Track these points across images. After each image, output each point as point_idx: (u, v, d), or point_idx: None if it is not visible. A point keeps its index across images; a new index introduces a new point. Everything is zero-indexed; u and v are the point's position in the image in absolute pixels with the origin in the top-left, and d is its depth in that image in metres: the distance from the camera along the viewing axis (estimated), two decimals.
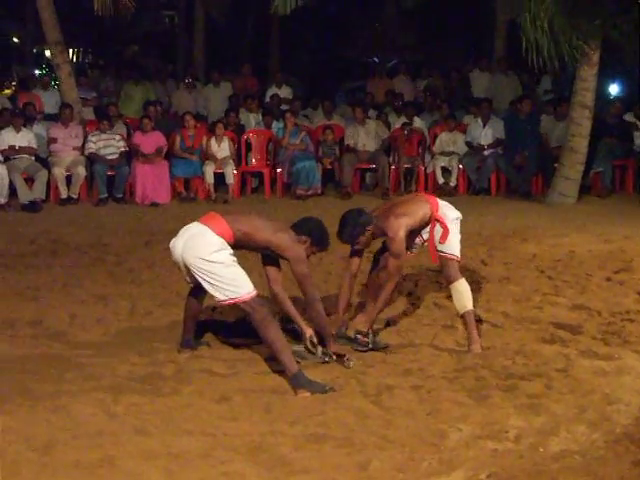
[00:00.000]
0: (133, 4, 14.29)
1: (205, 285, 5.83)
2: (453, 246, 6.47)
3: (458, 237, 6.53)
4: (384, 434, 4.92)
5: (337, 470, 4.46)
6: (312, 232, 6.09)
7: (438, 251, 6.46)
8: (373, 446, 4.75)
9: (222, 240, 5.76)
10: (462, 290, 6.49)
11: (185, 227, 6.05)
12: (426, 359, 6.22)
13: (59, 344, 6.62)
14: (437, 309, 7.52)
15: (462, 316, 6.56)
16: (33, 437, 4.85)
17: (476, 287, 8.12)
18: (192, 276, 5.93)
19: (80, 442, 4.81)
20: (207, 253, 5.70)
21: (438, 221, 6.45)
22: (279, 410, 5.30)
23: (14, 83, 21.08)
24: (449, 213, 6.54)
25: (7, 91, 18.71)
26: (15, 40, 26.91)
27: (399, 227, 6.29)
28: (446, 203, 6.67)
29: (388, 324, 7.08)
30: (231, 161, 13.66)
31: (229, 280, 5.72)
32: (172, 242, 6.03)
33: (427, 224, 6.51)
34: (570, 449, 4.71)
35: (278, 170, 13.99)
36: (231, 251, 5.81)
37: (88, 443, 4.80)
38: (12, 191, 12.80)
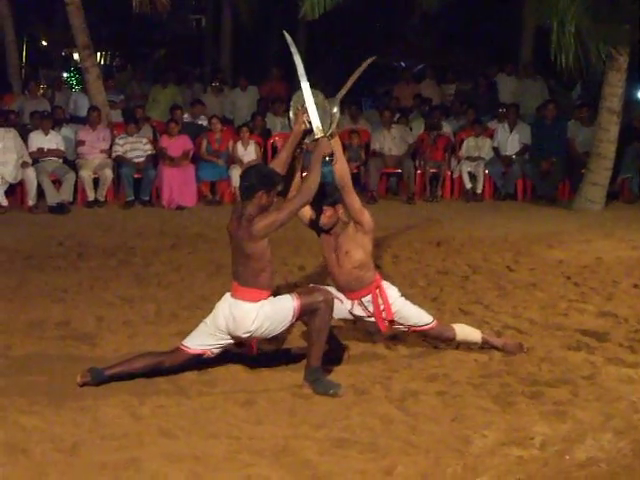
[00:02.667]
0: (169, 3, 14.32)
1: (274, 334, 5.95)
2: (421, 316, 6.31)
3: (414, 306, 6.35)
4: (409, 439, 4.91)
5: (362, 475, 4.46)
6: (259, 184, 5.68)
7: (415, 329, 6.32)
8: (398, 451, 4.75)
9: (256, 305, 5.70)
10: (465, 335, 6.41)
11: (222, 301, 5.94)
12: (451, 365, 6.21)
13: (86, 345, 6.65)
14: (462, 315, 7.47)
15: (483, 345, 6.52)
16: (60, 438, 4.89)
17: (502, 293, 8.13)
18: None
19: (106, 443, 4.85)
20: (249, 325, 5.70)
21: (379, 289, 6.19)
22: (304, 414, 5.30)
23: (43, 86, 21.21)
24: (392, 292, 6.29)
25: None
26: (44, 43, 27.08)
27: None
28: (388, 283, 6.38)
29: None
30: None
31: (279, 322, 5.77)
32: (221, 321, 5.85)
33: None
34: (596, 457, 4.69)
35: (304, 174, 13.96)
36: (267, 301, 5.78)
37: (114, 445, 4.83)
38: (40, 193, 12.89)
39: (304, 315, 5.76)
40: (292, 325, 5.96)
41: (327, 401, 5.50)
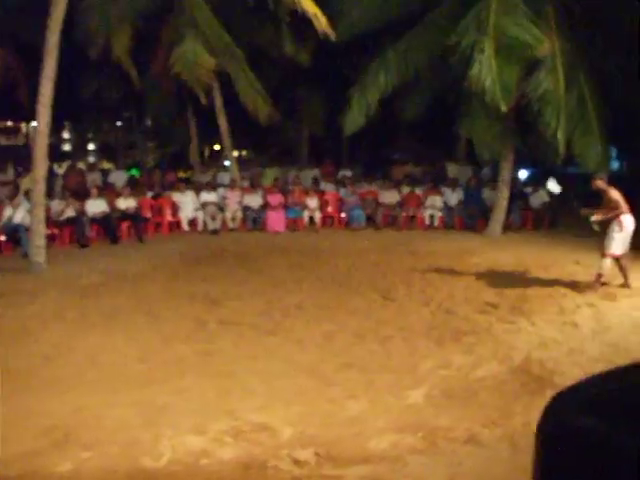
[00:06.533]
0: (280, 117, 14.13)
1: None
2: None
3: None
4: (385, 364, 4.69)
5: (356, 385, 4.25)
6: None
7: None
8: (378, 371, 4.52)
9: None
10: None
11: None
12: (411, 322, 5.91)
13: (216, 307, 6.48)
14: (421, 293, 7.11)
15: None
16: (198, 350, 4.71)
17: (444, 280, 7.75)
18: None
19: (215, 363, 4.67)
20: None
21: None
22: (327, 349, 5.08)
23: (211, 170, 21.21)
24: None
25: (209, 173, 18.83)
26: (215, 148, 27.21)
27: None
28: None
29: (393, 300, 6.74)
30: (318, 209, 13.46)
31: None
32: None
33: None
34: (487, 375, 4.42)
35: (342, 215, 13.74)
36: None
37: (220, 362, 4.66)
38: (204, 224, 12.82)
39: None
40: None
41: (339, 341, 5.25)
